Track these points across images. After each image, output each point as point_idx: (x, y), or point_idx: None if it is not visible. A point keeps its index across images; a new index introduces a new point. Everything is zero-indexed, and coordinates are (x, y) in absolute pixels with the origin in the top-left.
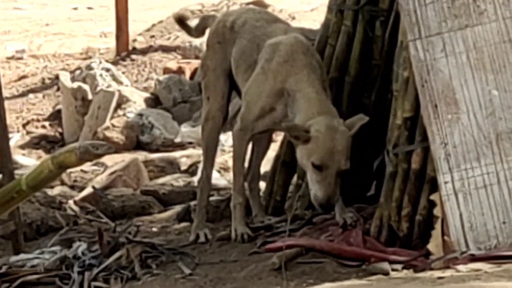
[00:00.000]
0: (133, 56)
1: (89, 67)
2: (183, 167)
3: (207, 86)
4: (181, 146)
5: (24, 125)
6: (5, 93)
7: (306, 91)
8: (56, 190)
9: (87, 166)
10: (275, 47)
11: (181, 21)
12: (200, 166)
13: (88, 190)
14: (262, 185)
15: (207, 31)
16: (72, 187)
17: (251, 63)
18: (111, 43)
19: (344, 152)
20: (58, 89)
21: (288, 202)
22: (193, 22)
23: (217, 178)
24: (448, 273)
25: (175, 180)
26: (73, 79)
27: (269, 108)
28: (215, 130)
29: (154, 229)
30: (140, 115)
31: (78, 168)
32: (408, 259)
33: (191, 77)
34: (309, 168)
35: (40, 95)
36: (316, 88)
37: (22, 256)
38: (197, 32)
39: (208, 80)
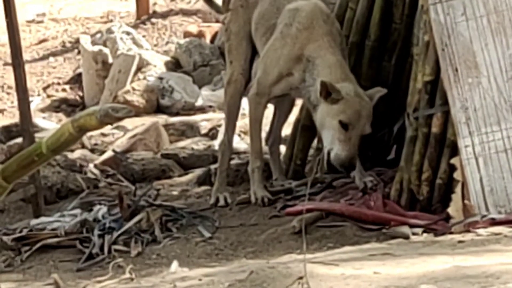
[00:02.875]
0: (154, 20)
1: (109, 31)
2: (203, 131)
3: (230, 50)
4: (202, 109)
5: (44, 89)
6: (26, 56)
7: (327, 57)
8: (76, 154)
9: (107, 130)
10: (295, 12)
11: None
12: (221, 129)
13: (108, 154)
14: (283, 148)
15: None
16: (92, 151)
17: (269, 26)
18: (132, 6)
19: (368, 118)
20: (78, 53)
21: (308, 166)
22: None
23: (237, 142)
24: (468, 237)
25: (195, 144)
26: (93, 43)
27: (286, 73)
28: (237, 94)
29: (174, 193)
30: (160, 78)
31: (98, 132)
32: (428, 223)
33: (212, 41)
34: (334, 127)
35: (60, 58)
36: (337, 54)
37: (43, 219)
38: (225, 5)
39: (231, 43)
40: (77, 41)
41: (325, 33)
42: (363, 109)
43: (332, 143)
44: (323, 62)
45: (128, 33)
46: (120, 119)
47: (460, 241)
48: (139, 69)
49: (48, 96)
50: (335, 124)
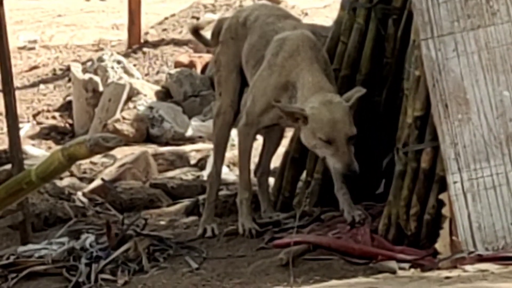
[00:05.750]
0: (145, 49)
1: (100, 59)
2: (193, 161)
3: (219, 82)
4: (191, 140)
5: (34, 116)
6: (16, 83)
7: (305, 79)
8: (65, 182)
9: (96, 158)
10: (282, 42)
11: (196, 32)
12: (210, 160)
13: (97, 182)
14: (271, 180)
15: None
16: (81, 179)
17: (259, 58)
18: (123, 35)
19: (345, 120)
20: (69, 80)
21: (296, 199)
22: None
23: (226, 173)
24: (455, 273)
25: (184, 174)
26: (84, 71)
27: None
28: (226, 126)
29: (162, 223)
30: (150, 108)
31: (87, 160)
32: (416, 258)
33: (202, 71)
34: (320, 145)
35: (51, 85)
36: (315, 75)
37: (30, 246)
38: (214, 38)
39: (220, 75)
40: (68, 68)
41: (308, 58)
42: (336, 114)
43: (328, 158)
44: (301, 84)
45: (119, 62)
46: (110, 148)
47: (447, 277)
48: (129, 98)
49: (38, 123)
50: (318, 142)
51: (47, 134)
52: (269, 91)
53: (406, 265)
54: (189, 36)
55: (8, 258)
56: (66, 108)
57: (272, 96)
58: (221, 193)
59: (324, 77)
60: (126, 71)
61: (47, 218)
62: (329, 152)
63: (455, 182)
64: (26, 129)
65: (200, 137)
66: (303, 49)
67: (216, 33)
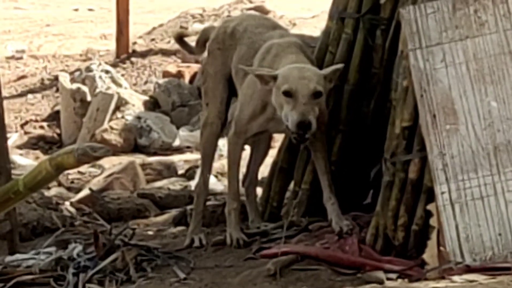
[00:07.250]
0: (133, 59)
1: (88, 69)
2: (180, 171)
3: (206, 92)
4: (179, 150)
5: (22, 125)
6: (4, 92)
7: (288, 59)
8: (52, 191)
9: (84, 168)
10: (269, 47)
11: (181, 39)
12: (198, 170)
13: (85, 192)
14: (259, 190)
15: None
16: (69, 189)
17: None
18: (111, 45)
19: (311, 78)
20: (57, 90)
21: (284, 209)
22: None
23: (214, 183)
24: (442, 283)
25: (172, 184)
26: (72, 81)
27: (261, 107)
28: (213, 136)
29: (150, 232)
30: (138, 118)
31: (75, 170)
32: (403, 269)
33: (191, 81)
34: (282, 101)
35: (39, 95)
36: (299, 57)
37: (17, 256)
38: (198, 47)
39: (207, 86)
40: (56, 78)
41: (295, 52)
42: (303, 72)
43: (287, 114)
44: (283, 64)
45: (107, 72)
46: (98, 158)
47: None
48: (117, 108)
49: (26, 133)
50: (282, 98)
51: (35, 144)
52: (256, 96)
53: (394, 276)
54: (177, 46)
55: None
56: (54, 118)
57: (259, 99)
58: (209, 203)
59: (308, 61)
60: (114, 81)
61: (34, 228)
62: (289, 107)
63: (442, 193)
64: (14, 138)
65: (188, 147)
66: (289, 49)
67: (201, 41)
